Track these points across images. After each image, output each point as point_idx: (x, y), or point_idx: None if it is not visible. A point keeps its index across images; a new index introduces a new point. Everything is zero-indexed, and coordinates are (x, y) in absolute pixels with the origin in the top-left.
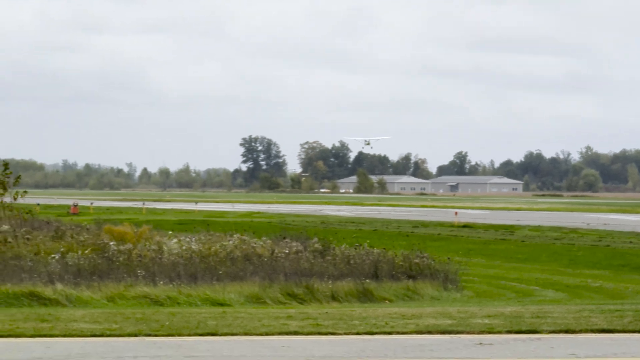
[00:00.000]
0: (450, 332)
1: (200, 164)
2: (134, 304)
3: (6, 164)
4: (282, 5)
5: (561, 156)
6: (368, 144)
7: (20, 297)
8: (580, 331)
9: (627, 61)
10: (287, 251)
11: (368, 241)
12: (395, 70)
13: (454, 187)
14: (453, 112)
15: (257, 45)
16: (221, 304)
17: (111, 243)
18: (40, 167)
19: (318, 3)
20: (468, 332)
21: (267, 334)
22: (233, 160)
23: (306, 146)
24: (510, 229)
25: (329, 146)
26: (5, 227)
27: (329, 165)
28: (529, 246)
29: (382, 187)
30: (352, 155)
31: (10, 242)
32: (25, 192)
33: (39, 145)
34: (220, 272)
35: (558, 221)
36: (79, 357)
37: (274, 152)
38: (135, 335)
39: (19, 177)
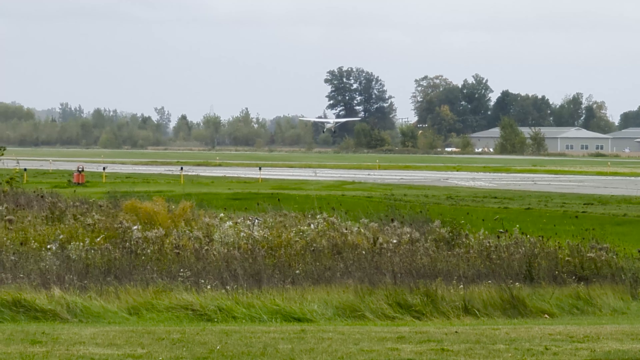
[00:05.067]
0: None
1: (265, 111)
2: (169, 319)
3: None
4: None
5: None
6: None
7: (0, 307)
8: None
9: None
10: (396, 240)
11: (517, 226)
12: None
13: None
14: None
15: None
16: (298, 319)
17: (134, 227)
18: (28, 115)
19: None
20: None
21: None
22: (315, 104)
23: (424, 83)
24: None
25: (459, 83)
26: None
27: (457, 111)
28: None
29: (539, 144)
30: (493, 97)
31: None
32: (3, 149)
33: (26, 82)
34: (297, 271)
35: None
36: None
37: (376, 92)
38: None
39: None
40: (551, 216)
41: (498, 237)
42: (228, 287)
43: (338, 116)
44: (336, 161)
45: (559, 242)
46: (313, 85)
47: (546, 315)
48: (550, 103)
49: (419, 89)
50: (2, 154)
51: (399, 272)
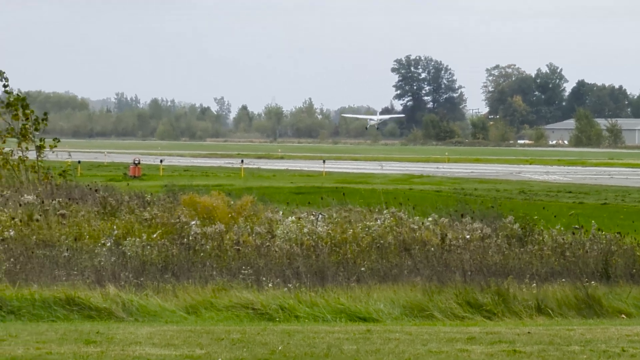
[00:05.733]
0: None
1: (329, 101)
2: (229, 318)
3: (22, 99)
4: None
5: None
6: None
7: (52, 305)
8: None
9: None
10: (466, 236)
11: (593, 222)
12: None
13: None
14: None
15: None
16: (364, 319)
17: (192, 222)
18: (82, 105)
19: None
20: None
21: None
22: (381, 94)
23: (495, 72)
24: None
25: (532, 72)
26: (29, 197)
27: (530, 102)
28: None
29: (616, 136)
30: (568, 87)
31: (37, 220)
32: (57, 140)
33: (80, 72)
34: (363, 268)
35: None
36: None
37: (445, 81)
38: None
39: (45, 116)
40: (629, 212)
41: (573, 233)
42: (290, 285)
43: (405, 107)
44: (403, 154)
45: (637, 239)
46: (380, 75)
47: (623, 316)
48: (628, 93)
49: (490, 78)
50: (56, 146)
51: (469, 270)
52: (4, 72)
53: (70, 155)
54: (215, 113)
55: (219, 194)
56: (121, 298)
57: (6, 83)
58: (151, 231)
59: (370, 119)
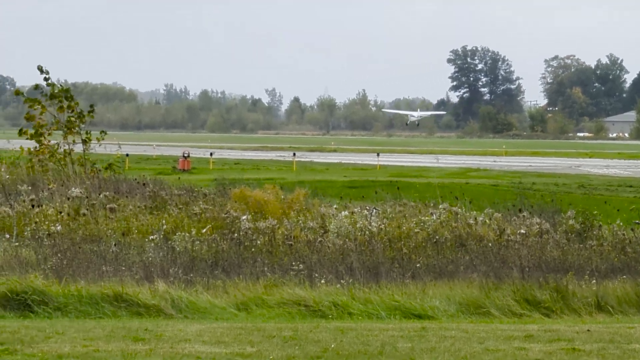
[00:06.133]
0: None
1: (383, 93)
2: (280, 315)
3: (66, 90)
4: None
5: None
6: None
7: (100, 301)
8: None
9: None
10: (524, 231)
11: None
12: None
13: None
14: None
15: None
16: (419, 316)
17: (243, 217)
18: (130, 96)
19: None
20: None
21: None
22: (437, 86)
23: (554, 64)
24: None
25: (592, 63)
26: (76, 191)
27: (590, 94)
28: None
29: None
30: (629, 79)
31: (84, 215)
32: (104, 133)
33: (129, 62)
34: (418, 264)
35: None
36: None
37: (502, 72)
38: None
39: (92, 108)
40: None
41: (632, 229)
42: (343, 282)
43: (461, 99)
44: (459, 147)
45: None
46: (435, 66)
47: None
48: None
49: (549, 69)
50: (103, 138)
51: (526, 266)
52: (43, 67)
53: (120, 147)
54: (266, 105)
55: (270, 188)
56: (170, 294)
57: (47, 76)
58: (201, 226)
59: (411, 115)
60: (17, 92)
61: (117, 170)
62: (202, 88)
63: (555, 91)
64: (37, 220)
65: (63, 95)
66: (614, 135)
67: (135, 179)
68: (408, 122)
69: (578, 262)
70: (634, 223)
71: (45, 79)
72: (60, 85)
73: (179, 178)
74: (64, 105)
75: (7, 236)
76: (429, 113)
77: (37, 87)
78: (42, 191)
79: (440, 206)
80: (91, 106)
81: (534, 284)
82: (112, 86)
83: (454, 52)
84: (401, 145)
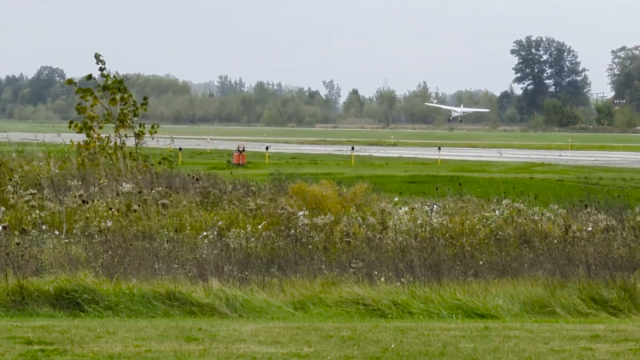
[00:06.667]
0: None
1: (445, 85)
2: (338, 314)
3: (120, 82)
4: None
5: None
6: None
7: (152, 300)
8: None
9: None
10: (590, 228)
11: None
12: None
13: None
14: None
15: None
16: (481, 315)
17: (300, 213)
18: (183, 89)
19: None
20: None
21: None
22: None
23: (622, 54)
24: None
25: None
26: (127, 186)
27: None
28: None
29: None
30: None
31: (135, 211)
32: (157, 126)
33: (181, 53)
34: (480, 262)
35: None
36: None
37: (568, 64)
38: None
39: (145, 101)
40: None
41: None
42: (403, 280)
43: (525, 91)
44: (523, 140)
45: None
46: (498, 57)
47: None
48: None
49: (617, 60)
50: (155, 132)
51: (593, 264)
52: (101, 55)
53: (172, 140)
54: (324, 97)
55: (328, 183)
56: (225, 293)
57: (103, 66)
58: (256, 222)
59: (454, 111)
60: (70, 82)
61: (170, 164)
62: (258, 80)
63: (622, 83)
64: (88, 216)
65: (117, 86)
66: None
67: (189, 174)
68: (450, 118)
69: None
70: None
71: (101, 69)
72: (114, 77)
73: (231, 173)
74: (116, 98)
75: (57, 233)
76: (472, 109)
77: (90, 77)
78: (93, 186)
79: (504, 202)
80: (144, 98)
81: (600, 282)
82: (164, 78)
83: (518, 42)
84: (463, 139)
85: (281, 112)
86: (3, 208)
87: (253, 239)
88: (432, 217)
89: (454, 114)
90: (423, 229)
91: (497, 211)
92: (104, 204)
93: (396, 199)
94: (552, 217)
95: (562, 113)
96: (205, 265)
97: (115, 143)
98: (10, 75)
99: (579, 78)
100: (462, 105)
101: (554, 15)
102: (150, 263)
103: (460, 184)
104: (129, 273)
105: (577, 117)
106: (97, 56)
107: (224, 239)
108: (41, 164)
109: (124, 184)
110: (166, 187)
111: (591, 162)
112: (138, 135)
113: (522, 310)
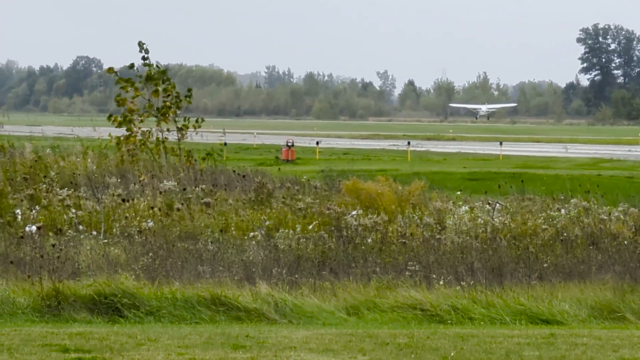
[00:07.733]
0: None
1: (507, 75)
2: (394, 320)
3: (163, 72)
4: None
5: None
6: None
7: (196, 305)
8: None
9: None
10: None
11: None
12: None
13: None
14: None
15: None
16: (547, 321)
17: (353, 213)
18: (228, 80)
19: None
20: None
21: None
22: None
23: None
24: None
25: None
26: (169, 183)
27: None
28: None
29: None
30: None
31: (178, 210)
32: (202, 120)
33: (226, 42)
34: (545, 264)
35: None
36: None
37: (637, 53)
38: None
39: (189, 93)
40: None
41: None
42: (464, 283)
43: (592, 82)
44: (590, 135)
45: None
46: (564, 46)
47: None
48: None
49: None
50: (200, 126)
51: None
52: (144, 43)
53: (224, 134)
54: (378, 89)
55: (383, 180)
56: (273, 297)
57: (146, 55)
58: (307, 222)
59: (479, 109)
60: (110, 70)
61: (214, 160)
62: (307, 70)
63: None
64: (127, 216)
65: (160, 77)
66: None
67: (235, 171)
68: (477, 117)
69: None
70: None
71: (144, 58)
72: (157, 67)
73: (279, 169)
74: (159, 89)
75: (95, 233)
76: (499, 106)
77: (132, 66)
78: (133, 184)
79: (572, 201)
80: (189, 90)
81: None
82: (208, 68)
83: (584, 30)
84: (526, 133)
85: (332, 105)
86: (37, 207)
87: (303, 240)
88: (493, 216)
89: (480, 113)
90: (484, 230)
91: (562, 210)
92: (145, 202)
93: (458, 193)
94: (622, 216)
95: (632, 105)
96: (252, 268)
97: (157, 138)
98: (45, 66)
99: None
100: (486, 103)
101: (622, 2)
102: (194, 265)
103: (522, 181)
104: (172, 276)
105: None
106: (140, 44)
107: (272, 240)
108: (78, 160)
109: (165, 181)
110: (211, 185)
111: None
112: (181, 130)
113: (589, 315)
